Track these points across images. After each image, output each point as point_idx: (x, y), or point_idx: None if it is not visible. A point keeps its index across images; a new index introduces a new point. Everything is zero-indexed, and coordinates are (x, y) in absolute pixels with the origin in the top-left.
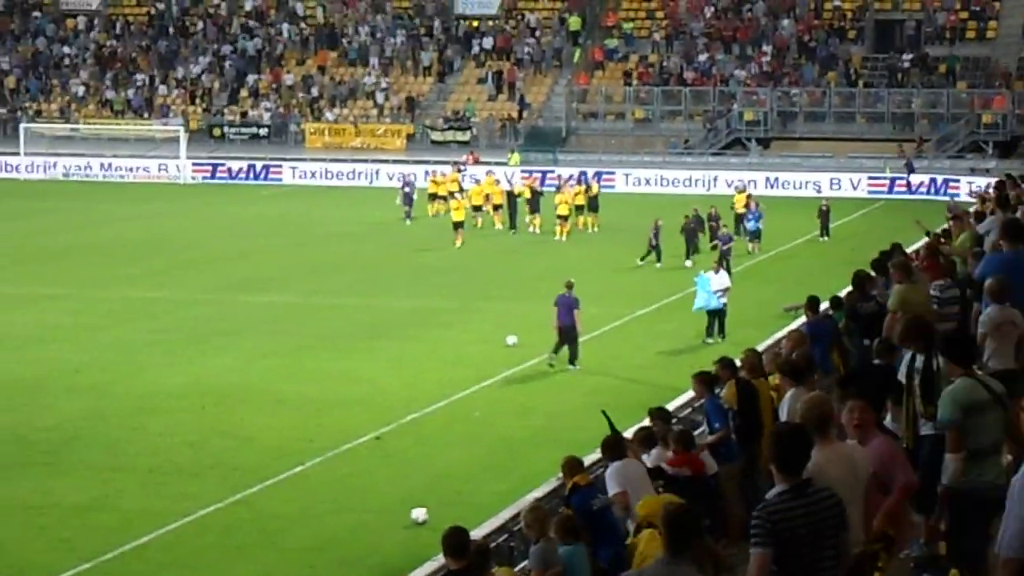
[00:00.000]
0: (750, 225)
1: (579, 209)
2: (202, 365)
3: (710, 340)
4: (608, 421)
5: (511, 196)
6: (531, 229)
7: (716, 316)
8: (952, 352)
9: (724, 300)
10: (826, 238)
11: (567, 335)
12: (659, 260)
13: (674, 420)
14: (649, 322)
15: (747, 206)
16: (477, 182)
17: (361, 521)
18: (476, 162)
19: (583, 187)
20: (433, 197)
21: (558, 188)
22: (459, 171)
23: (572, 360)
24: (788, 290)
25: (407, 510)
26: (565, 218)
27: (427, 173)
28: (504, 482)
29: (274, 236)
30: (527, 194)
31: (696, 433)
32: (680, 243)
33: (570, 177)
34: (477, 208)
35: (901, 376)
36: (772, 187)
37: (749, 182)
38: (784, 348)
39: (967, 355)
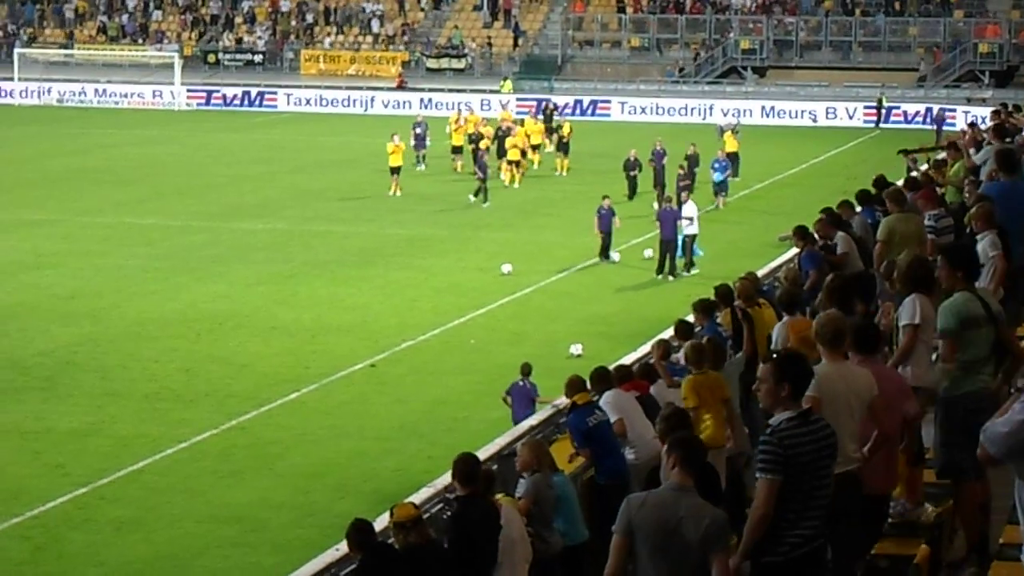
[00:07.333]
0: (716, 176)
1: (535, 148)
2: (196, 291)
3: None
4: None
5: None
6: (501, 176)
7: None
8: (954, 261)
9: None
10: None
11: (669, 247)
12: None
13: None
14: (642, 252)
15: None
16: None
17: (357, 448)
18: (401, 86)
19: (541, 124)
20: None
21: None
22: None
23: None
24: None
25: (403, 438)
26: (516, 163)
27: (423, 102)
28: (499, 409)
29: (267, 163)
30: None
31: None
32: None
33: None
34: (457, 150)
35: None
36: (768, 116)
37: (745, 111)
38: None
39: (968, 265)
